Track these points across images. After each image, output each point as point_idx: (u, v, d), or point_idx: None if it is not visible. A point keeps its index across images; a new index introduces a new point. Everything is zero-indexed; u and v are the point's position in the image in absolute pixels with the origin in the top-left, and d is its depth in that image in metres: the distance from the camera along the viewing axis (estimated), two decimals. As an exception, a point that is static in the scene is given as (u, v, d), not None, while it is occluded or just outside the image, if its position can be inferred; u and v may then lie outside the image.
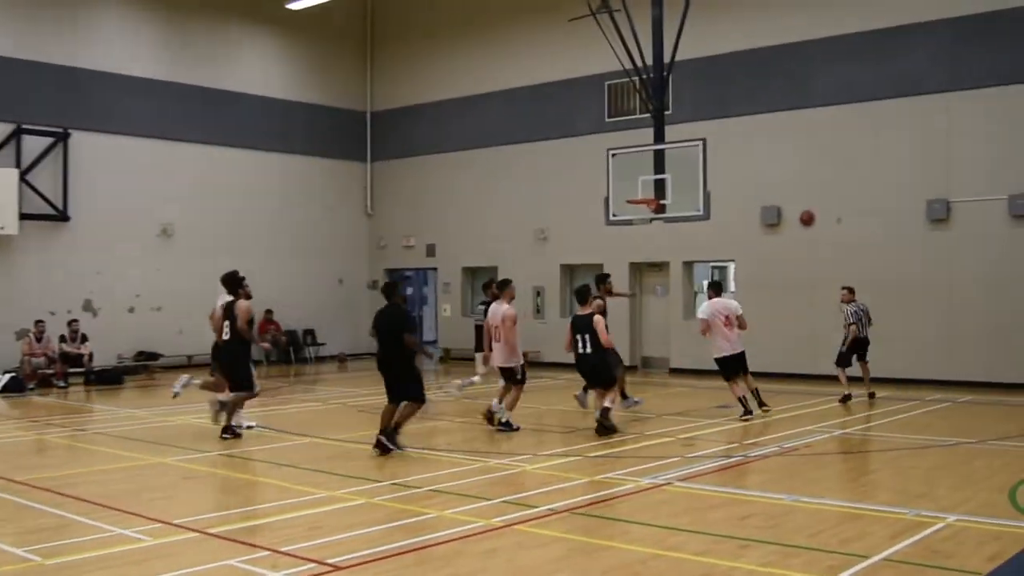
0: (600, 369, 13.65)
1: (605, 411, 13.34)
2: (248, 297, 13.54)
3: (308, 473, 10.74)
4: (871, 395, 17.30)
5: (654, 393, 18.82)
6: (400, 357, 11.79)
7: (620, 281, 22.81)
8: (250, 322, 13.15)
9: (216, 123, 25.53)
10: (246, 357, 13.31)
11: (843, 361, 17.09)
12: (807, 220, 21.13)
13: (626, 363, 18.63)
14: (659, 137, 17.96)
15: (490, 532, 8.02)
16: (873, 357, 17.39)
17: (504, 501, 9.16)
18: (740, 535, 7.86)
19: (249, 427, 13.84)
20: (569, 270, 25.25)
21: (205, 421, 14.72)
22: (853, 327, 17.00)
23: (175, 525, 8.30)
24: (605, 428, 13.19)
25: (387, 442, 11.75)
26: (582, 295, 13.90)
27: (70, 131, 22.78)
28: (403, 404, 11.92)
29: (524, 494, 9.53)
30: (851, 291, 17.43)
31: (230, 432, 13.04)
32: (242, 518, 8.76)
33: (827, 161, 20.97)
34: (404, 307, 12.62)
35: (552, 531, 8.06)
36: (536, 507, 8.88)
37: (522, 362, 14.00)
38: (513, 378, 13.90)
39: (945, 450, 12.15)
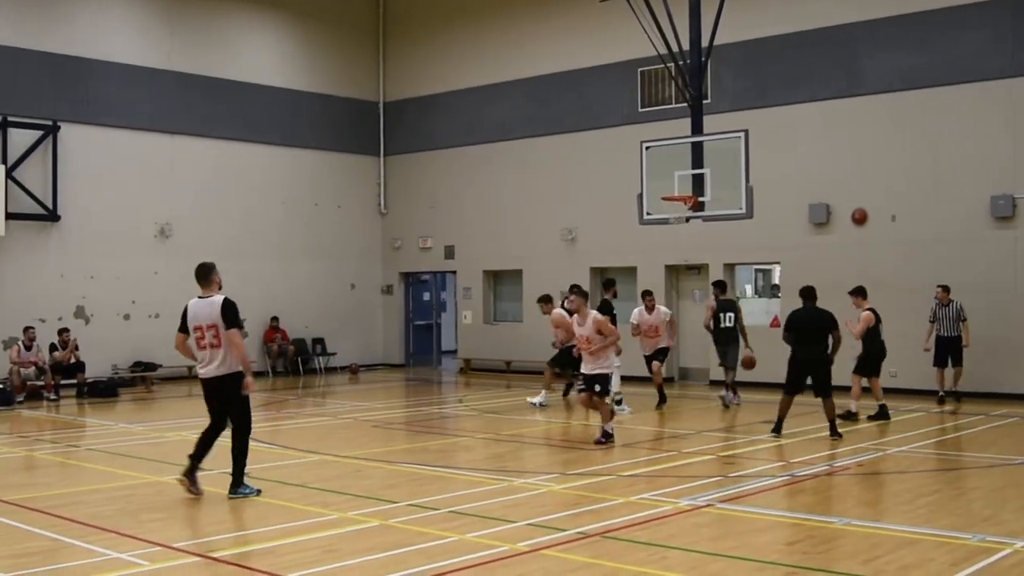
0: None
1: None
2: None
3: (317, 493, 10.78)
4: (945, 398, 18.45)
5: (692, 407, 18.78)
6: None
7: (656, 285, 22.89)
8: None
9: (218, 115, 25.66)
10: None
11: (938, 361, 18.73)
12: (859, 219, 21.03)
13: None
14: (697, 128, 17.93)
15: (515, 557, 8.02)
16: (927, 368, 17.52)
17: (530, 524, 9.15)
18: (787, 561, 7.83)
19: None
20: (599, 273, 25.18)
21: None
22: (933, 325, 18.68)
23: (175, 549, 8.35)
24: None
25: None
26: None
27: (60, 123, 22.96)
28: None
29: (551, 516, 9.52)
30: (946, 290, 18.70)
31: None
32: (247, 541, 8.79)
33: (880, 153, 20.86)
34: None
35: (581, 556, 8.05)
36: (565, 530, 8.87)
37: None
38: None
39: (1012, 469, 12.05)
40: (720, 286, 18.95)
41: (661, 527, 9.11)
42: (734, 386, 18.33)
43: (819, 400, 14.56)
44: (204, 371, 10.71)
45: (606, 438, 13.90)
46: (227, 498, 10.45)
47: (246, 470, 10.74)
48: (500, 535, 8.73)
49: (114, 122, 23.86)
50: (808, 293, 15.05)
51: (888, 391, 17.29)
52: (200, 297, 10.76)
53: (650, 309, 18.18)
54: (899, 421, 16.55)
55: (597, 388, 13.98)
